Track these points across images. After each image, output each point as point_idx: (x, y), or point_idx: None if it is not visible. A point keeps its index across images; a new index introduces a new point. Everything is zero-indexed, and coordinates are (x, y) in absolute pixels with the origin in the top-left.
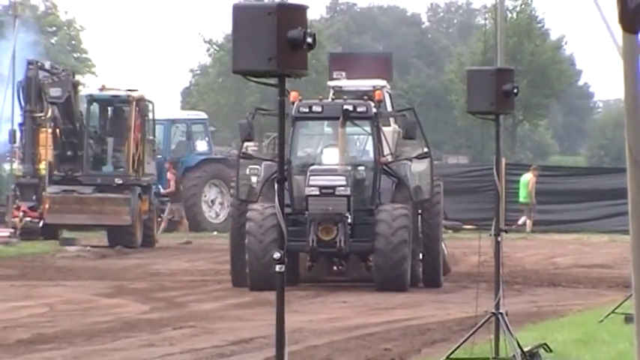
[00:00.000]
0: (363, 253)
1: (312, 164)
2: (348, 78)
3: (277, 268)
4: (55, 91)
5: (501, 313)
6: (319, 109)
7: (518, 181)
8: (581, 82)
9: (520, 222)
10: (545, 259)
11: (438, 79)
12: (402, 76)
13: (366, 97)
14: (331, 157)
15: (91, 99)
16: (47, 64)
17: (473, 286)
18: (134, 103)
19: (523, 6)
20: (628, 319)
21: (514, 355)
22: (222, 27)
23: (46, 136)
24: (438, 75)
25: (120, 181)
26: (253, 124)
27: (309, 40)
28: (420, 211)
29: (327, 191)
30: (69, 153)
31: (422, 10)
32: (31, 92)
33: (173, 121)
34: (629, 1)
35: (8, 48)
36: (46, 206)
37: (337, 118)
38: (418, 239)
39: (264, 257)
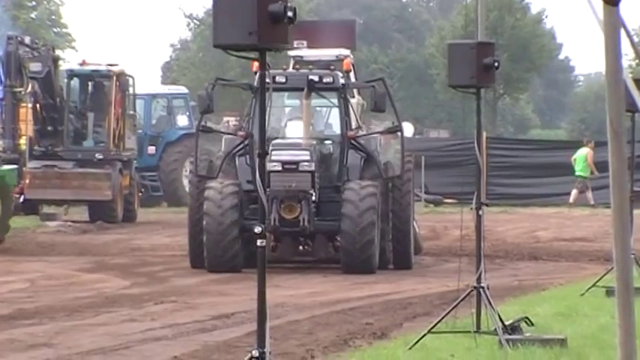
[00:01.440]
0: (328, 232)
1: (276, 138)
2: (310, 47)
3: (259, 242)
4: (35, 66)
5: (483, 287)
6: (283, 79)
7: (499, 155)
8: (561, 56)
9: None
10: (527, 233)
11: (419, 53)
12: (383, 50)
13: (332, 67)
14: (295, 130)
15: (72, 74)
16: (27, 39)
17: (454, 260)
18: (114, 77)
19: None
20: (609, 292)
21: (495, 329)
22: (202, 1)
23: (26, 111)
24: (419, 49)
25: (101, 156)
26: (213, 96)
27: (290, 14)
28: (390, 187)
29: (290, 167)
30: (49, 128)
31: None
32: (11, 67)
33: (154, 96)
34: None
35: None
36: (27, 181)
37: (302, 89)
38: (388, 219)
39: (222, 240)
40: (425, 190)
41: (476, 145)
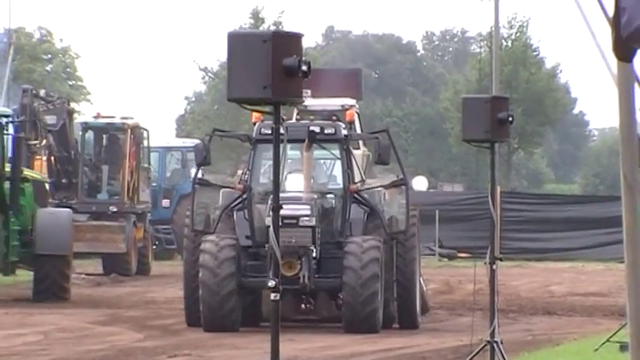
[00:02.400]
0: (329, 290)
1: None
2: (314, 96)
3: (272, 296)
4: (50, 119)
5: (497, 342)
6: (282, 130)
7: (513, 210)
8: (576, 110)
9: None
10: (541, 288)
11: (433, 107)
12: (397, 104)
13: (334, 118)
14: (296, 183)
15: (86, 126)
16: (42, 92)
17: (468, 314)
18: (129, 130)
19: (518, 34)
20: (623, 347)
21: None
22: (217, 55)
23: (40, 163)
24: (433, 103)
25: (115, 209)
26: (209, 147)
27: (304, 67)
28: (394, 243)
29: (290, 221)
30: (64, 180)
31: (417, 37)
32: (26, 120)
33: (168, 149)
34: (622, 30)
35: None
36: None
37: (303, 141)
38: (392, 275)
39: (219, 293)
40: (439, 245)
41: (490, 199)
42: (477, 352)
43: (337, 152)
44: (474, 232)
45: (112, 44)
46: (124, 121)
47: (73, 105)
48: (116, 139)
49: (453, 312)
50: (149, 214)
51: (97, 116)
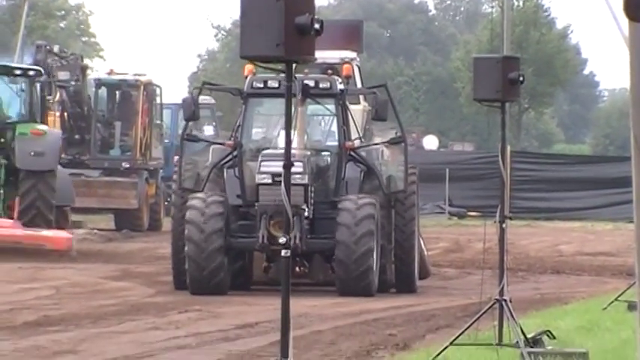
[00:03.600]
0: (323, 251)
1: (267, 148)
2: None
3: (283, 252)
4: (63, 75)
5: (505, 300)
6: (275, 84)
7: (523, 169)
8: (586, 71)
9: None
10: (550, 247)
11: (445, 67)
12: (409, 63)
13: (330, 72)
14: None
15: (99, 83)
16: (56, 48)
17: (477, 272)
18: (142, 87)
19: None
20: (631, 306)
21: (517, 342)
22: (230, 12)
23: (54, 119)
24: (445, 63)
25: (127, 165)
26: (198, 101)
27: (317, 26)
28: (392, 203)
29: (281, 179)
30: (77, 137)
31: None
32: (46, 79)
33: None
34: None
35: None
36: None
37: (295, 95)
38: (390, 236)
39: (205, 248)
40: (449, 203)
41: (500, 158)
42: (486, 310)
43: (332, 107)
44: (484, 191)
45: (126, 1)
46: (137, 77)
47: (86, 61)
48: (129, 96)
49: (462, 270)
50: (161, 171)
51: (110, 73)
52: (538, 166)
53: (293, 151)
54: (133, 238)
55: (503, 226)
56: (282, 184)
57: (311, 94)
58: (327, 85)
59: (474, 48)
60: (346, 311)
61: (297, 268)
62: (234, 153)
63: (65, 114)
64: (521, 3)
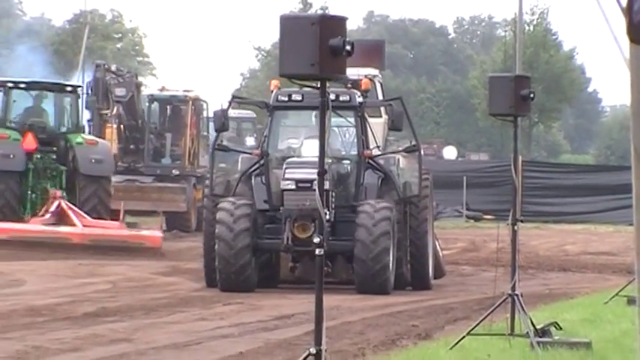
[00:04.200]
0: (343, 252)
1: (292, 157)
2: None
3: (317, 251)
4: (120, 91)
5: (517, 295)
6: (299, 97)
7: (533, 177)
8: (590, 89)
9: None
10: (557, 247)
11: (463, 85)
12: (430, 82)
13: (349, 86)
14: (311, 149)
15: (152, 98)
16: (113, 67)
17: (491, 270)
18: (190, 102)
19: (539, 20)
20: (630, 301)
21: (528, 333)
22: (270, 35)
23: (111, 131)
24: (463, 81)
25: (177, 172)
26: (228, 114)
27: (348, 47)
28: (407, 206)
29: (304, 185)
30: (132, 146)
31: (449, 22)
32: (99, 92)
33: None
34: (634, 15)
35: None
36: (112, 193)
37: (318, 108)
38: (406, 237)
39: (234, 246)
40: (466, 207)
41: (512, 167)
42: (500, 304)
43: (352, 119)
44: (498, 196)
45: (177, 25)
46: (186, 93)
47: (140, 79)
48: (179, 110)
49: (478, 268)
50: None
51: (162, 89)
52: (546, 174)
53: (315, 159)
54: (182, 238)
55: (515, 228)
56: (317, 189)
57: (332, 106)
58: (346, 98)
59: (489, 68)
60: (373, 304)
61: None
62: (261, 162)
63: (121, 126)
64: (531, 27)
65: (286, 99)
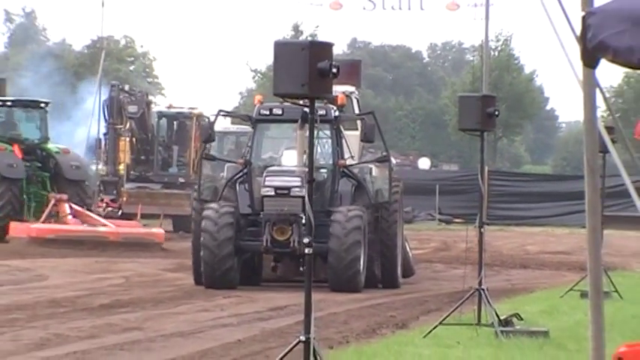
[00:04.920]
0: (318, 253)
1: (272, 166)
2: None
3: (306, 250)
4: (132, 108)
5: (483, 289)
6: (279, 111)
7: (497, 185)
8: (548, 107)
9: None
10: (518, 247)
11: (436, 103)
12: (407, 100)
13: (326, 101)
14: (290, 158)
15: (161, 115)
16: (126, 87)
17: (461, 267)
18: (195, 118)
19: (503, 46)
20: (583, 295)
21: (493, 322)
22: (265, 58)
23: (124, 143)
24: (436, 100)
25: (183, 180)
26: (214, 126)
27: (334, 70)
28: (379, 211)
29: (282, 192)
30: (142, 157)
31: (423, 47)
32: (114, 109)
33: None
34: (588, 43)
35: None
36: (124, 199)
37: (296, 121)
38: (377, 237)
39: (218, 254)
40: (438, 212)
41: (479, 176)
42: (468, 297)
43: (328, 132)
44: (467, 202)
45: (183, 49)
46: (191, 110)
47: (150, 97)
48: (184, 125)
49: (449, 265)
50: None
51: (170, 107)
52: (509, 182)
53: (293, 168)
54: (187, 238)
55: (482, 230)
56: (306, 195)
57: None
58: (323, 112)
59: (459, 88)
60: (355, 298)
61: (300, 268)
62: (245, 170)
63: (134, 139)
64: (496, 52)
65: (268, 113)
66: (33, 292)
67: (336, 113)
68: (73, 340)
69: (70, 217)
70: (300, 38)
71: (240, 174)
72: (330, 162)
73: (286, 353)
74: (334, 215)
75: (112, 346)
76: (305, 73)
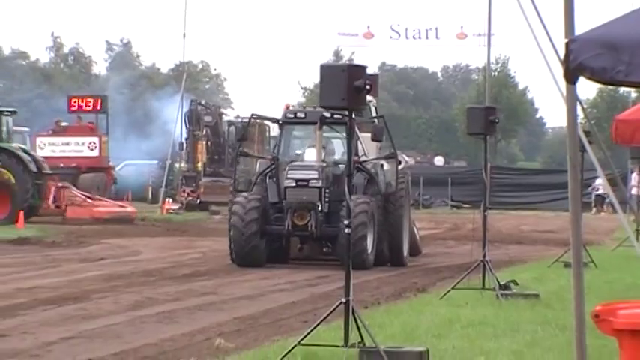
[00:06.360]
0: (333, 236)
1: (295, 161)
2: None
3: (346, 230)
4: (207, 118)
5: (486, 260)
6: (302, 115)
7: (498, 177)
8: (537, 115)
9: None
10: (514, 227)
11: (448, 113)
12: (426, 111)
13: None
14: (311, 155)
15: (230, 123)
16: (203, 101)
17: (469, 243)
18: (257, 126)
19: (502, 67)
20: (566, 265)
21: (494, 287)
22: (312, 78)
23: (201, 146)
24: (448, 110)
25: None
26: (247, 127)
27: (368, 87)
28: (389, 199)
29: (302, 184)
30: (215, 157)
31: (438, 69)
32: (193, 119)
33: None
34: (570, 64)
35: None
36: (201, 190)
37: (316, 123)
38: (386, 224)
39: (245, 233)
40: (451, 199)
41: (483, 171)
42: (474, 267)
43: (344, 133)
44: (473, 191)
45: (247, 71)
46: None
47: (222, 110)
48: (249, 131)
49: (458, 242)
50: None
51: (237, 117)
52: (507, 175)
53: (312, 163)
54: None
55: (485, 214)
56: (346, 187)
57: (327, 122)
58: (339, 115)
59: (466, 101)
60: (385, 268)
61: (324, 249)
62: (273, 165)
63: (209, 143)
64: (496, 72)
65: (292, 116)
66: (129, 265)
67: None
68: (162, 302)
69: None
70: (340, 62)
71: (269, 168)
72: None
73: (331, 312)
74: (344, 202)
75: (192, 307)
76: (344, 89)
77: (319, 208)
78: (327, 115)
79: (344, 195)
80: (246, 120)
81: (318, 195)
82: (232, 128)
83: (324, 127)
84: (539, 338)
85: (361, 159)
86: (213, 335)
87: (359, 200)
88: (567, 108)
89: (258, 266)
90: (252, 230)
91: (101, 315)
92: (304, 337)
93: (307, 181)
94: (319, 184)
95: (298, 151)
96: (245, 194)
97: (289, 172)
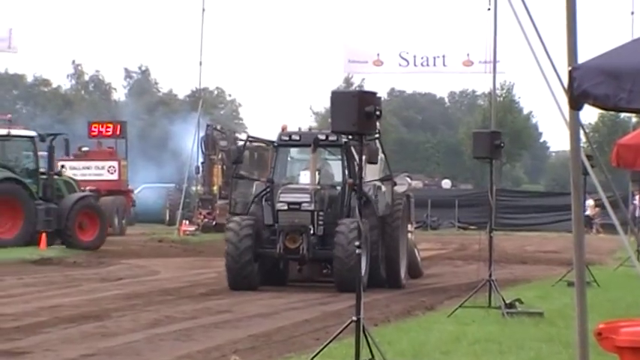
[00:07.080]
0: (326, 259)
1: (290, 184)
2: None
3: (357, 251)
4: (223, 143)
5: (492, 280)
6: (297, 137)
7: (503, 199)
8: (541, 140)
9: None
10: (519, 247)
11: (455, 137)
12: (434, 135)
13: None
14: (306, 178)
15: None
16: (218, 126)
17: (475, 262)
18: (271, 149)
19: (506, 93)
20: (570, 284)
21: (500, 305)
22: (323, 103)
23: (217, 170)
24: (455, 135)
25: None
26: (242, 150)
27: (378, 112)
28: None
29: (294, 206)
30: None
31: (445, 94)
32: (209, 143)
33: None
34: (573, 91)
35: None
36: (217, 212)
37: (310, 145)
38: (382, 245)
39: (239, 261)
40: (457, 221)
41: (489, 193)
42: (481, 287)
43: (338, 155)
44: (479, 213)
45: (261, 97)
46: (268, 143)
47: (237, 134)
48: (263, 155)
49: (465, 261)
50: None
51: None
52: (512, 198)
53: (306, 186)
54: None
55: (491, 235)
56: (357, 209)
57: (321, 144)
58: (334, 138)
59: (472, 126)
60: (387, 288)
61: (324, 270)
62: (268, 188)
63: (224, 166)
64: (501, 98)
65: (287, 138)
66: (148, 284)
67: (345, 139)
68: (179, 320)
69: None
70: (351, 88)
71: (264, 191)
72: (340, 181)
73: (342, 329)
74: (339, 227)
75: (208, 325)
76: (355, 115)
77: (312, 231)
78: (322, 137)
79: (338, 217)
80: (242, 142)
81: (310, 218)
82: (247, 152)
83: (323, 150)
84: (544, 355)
85: (355, 181)
86: (229, 352)
87: (353, 224)
88: (570, 133)
89: (252, 289)
90: (246, 258)
91: (120, 333)
92: (317, 354)
93: (299, 204)
94: (312, 207)
95: (293, 173)
96: (238, 218)
97: (281, 195)
